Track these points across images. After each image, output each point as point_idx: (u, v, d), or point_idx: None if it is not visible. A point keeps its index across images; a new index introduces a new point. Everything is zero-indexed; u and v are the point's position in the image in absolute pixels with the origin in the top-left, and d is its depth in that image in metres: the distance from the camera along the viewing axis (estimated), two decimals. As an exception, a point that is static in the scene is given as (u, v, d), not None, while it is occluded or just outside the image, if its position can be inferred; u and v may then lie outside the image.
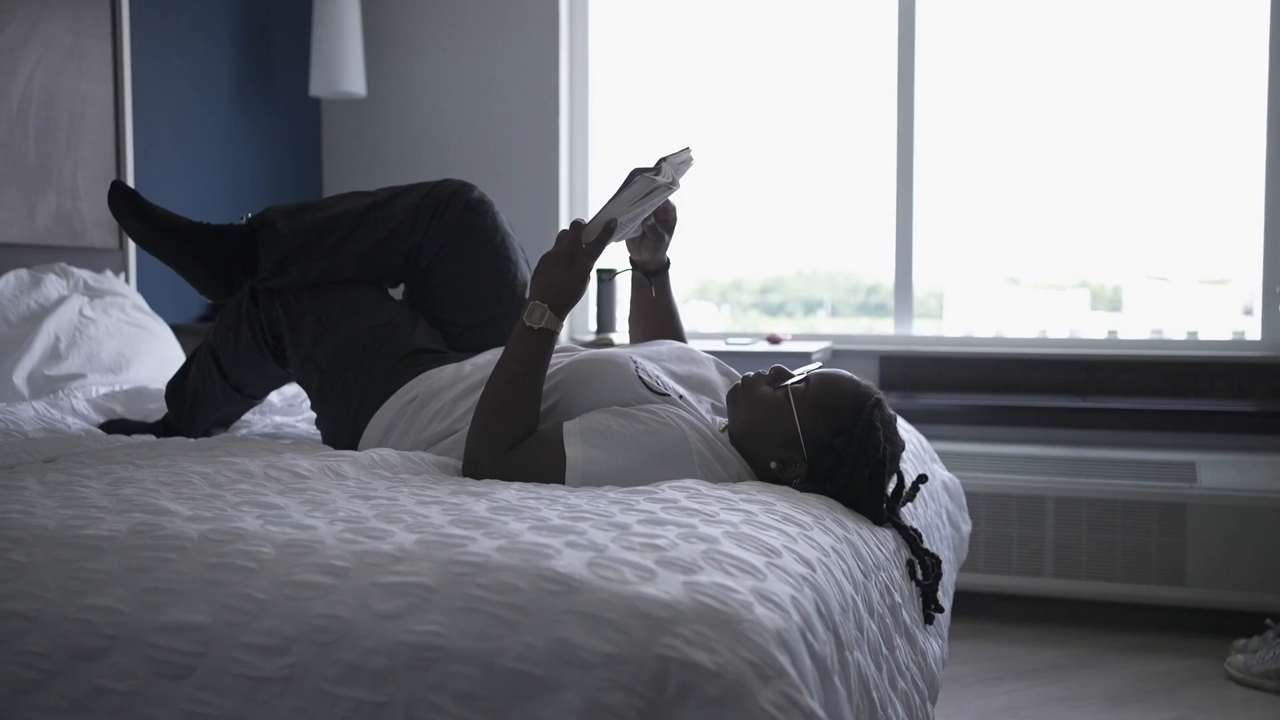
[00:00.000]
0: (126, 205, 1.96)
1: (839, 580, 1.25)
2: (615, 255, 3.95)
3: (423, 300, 2.03)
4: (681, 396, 1.71)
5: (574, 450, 1.58)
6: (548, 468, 1.58)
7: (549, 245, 1.68)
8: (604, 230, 1.64)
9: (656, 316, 2.04)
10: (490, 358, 1.86)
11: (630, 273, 2.02)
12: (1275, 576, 2.93)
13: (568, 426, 1.61)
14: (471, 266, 1.99)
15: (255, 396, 2.17)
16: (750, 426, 1.65)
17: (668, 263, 2.01)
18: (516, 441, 1.62)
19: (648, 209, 1.76)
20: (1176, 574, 2.99)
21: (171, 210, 2.00)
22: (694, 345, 2.02)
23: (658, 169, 1.69)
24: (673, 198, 1.82)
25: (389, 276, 2.03)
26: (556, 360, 1.80)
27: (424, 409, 1.83)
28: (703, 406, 1.78)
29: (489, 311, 2.00)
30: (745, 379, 1.70)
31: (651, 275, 2.00)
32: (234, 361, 2.05)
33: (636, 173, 1.69)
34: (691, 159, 1.77)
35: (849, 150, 3.78)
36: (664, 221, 1.92)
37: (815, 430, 1.59)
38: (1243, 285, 3.54)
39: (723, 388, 1.87)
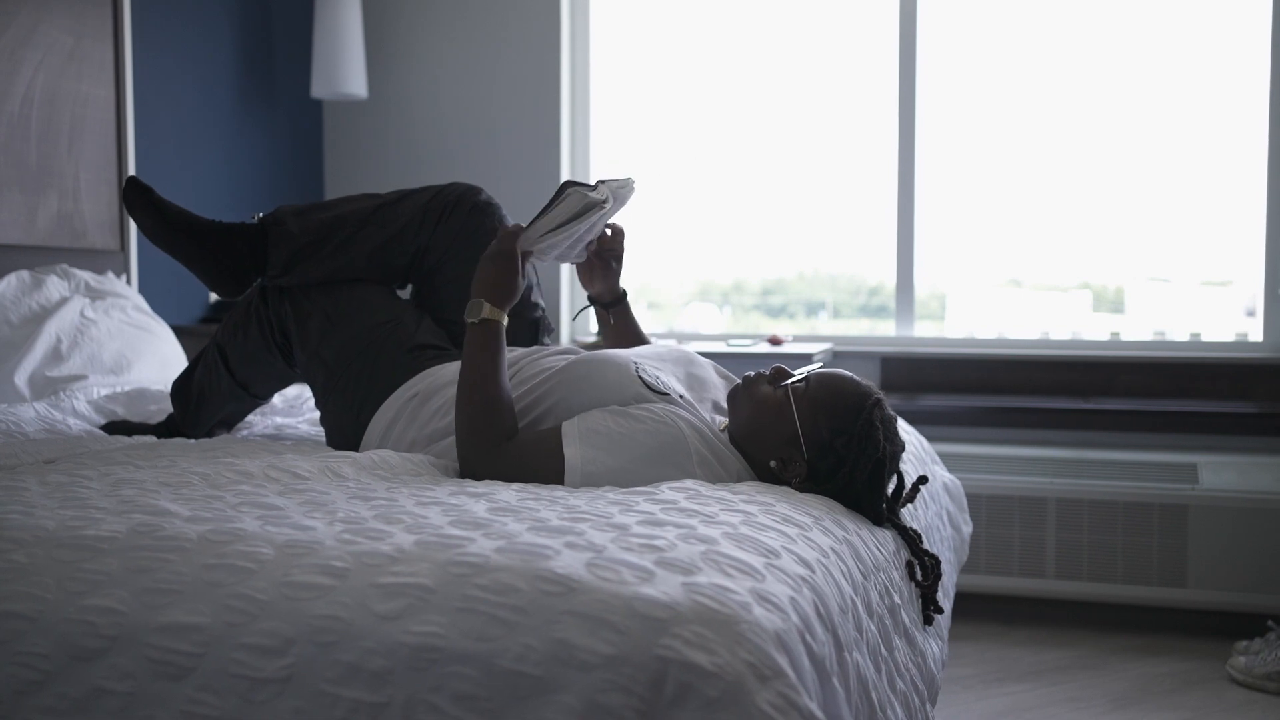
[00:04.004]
0: (142, 201, 1.99)
1: (838, 581, 1.25)
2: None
3: (429, 300, 2.05)
4: (681, 396, 1.72)
5: (572, 451, 1.58)
6: (547, 469, 1.58)
7: None
8: (539, 238, 1.71)
9: (625, 342, 2.04)
10: None
11: (590, 309, 2.05)
12: (1277, 578, 2.92)
13: (566, 427, 1.62)
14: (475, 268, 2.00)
15: (261, 395, 2.19)
16: (750, 426, 1.65)
17: (623, 293, 2.05)
18: (502, 434, 1.64)
19: (584, 229, 1.78)
20: (1178, 575, 2.99)
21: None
22: (695, 347, 2.03)
23: (594, 187, 1.72)
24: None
25: (396, 276, 2.05)
26: (557, 361, 1.80)
27: (426, 405, 1.83)
28: (703, 406, 1.79)
29: None
30: (746, 378, 1.70)
31: (608, 306, 2.03)
32: (242, 359, 2.07)
33: (570, 185, 1.72)
34: (633, 189, 1.83)
35: (850, 152, 3.77)
36: (611, 251, 1.97)
37: (815, 429, 1.59)
38: (1245, 287, 3.53)
39: (722, 389, 1.88)
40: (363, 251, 1.99)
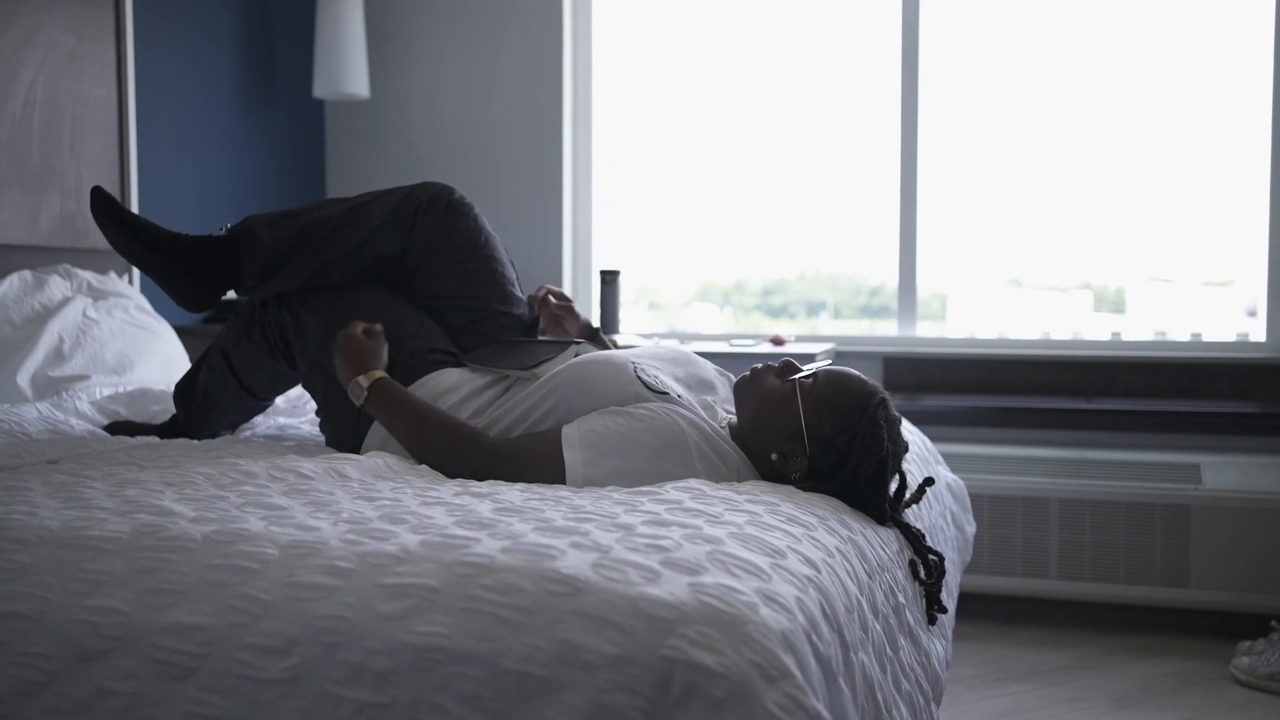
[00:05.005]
0: (107, 213, 1.96)
1: (844, 581, 1.24)
2: (614, 260, 3.95)
3: (412, 301, 2.03)
4: (680, 395, 1.72)
5: (572, 454, 1.58)
6: (548, 474, 1.58)
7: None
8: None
9: None
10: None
11: None
12: (1280, 578, 2.93)
13: (566, 432, 1.62)
14: (457, 267, 2.00)
15: (266, 398, 2.18)
16: (755, 418, 1.65)
17: (592, 329, 2.10)
18: (471, 438, 1.68)
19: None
20: (1181, 576, 2.98)
21: (154, 220, 2.01)
22: (696, 347, 2.03)
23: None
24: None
25: (372, 280, 2.02)
26: (556, 362, 1.81)
27: (428, 411, 1.83)
28: (701, 405, 1.79)
29: (479, 311, 2.00)
30: (754, 370, 1.70)
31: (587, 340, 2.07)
32: (246, 365, 2.06)
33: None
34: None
35: (852, 152, 3.77)
36: (560, 306, 2.06)
37: (819, 425, 1.60)
38: (1246, 287, 3.53)
39: (721, 388, 1.88)
40: (338, 256, 1.97)
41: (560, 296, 2.10)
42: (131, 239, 1.95)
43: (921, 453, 2.23)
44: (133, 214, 1.97)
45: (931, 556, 1.62)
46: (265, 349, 2.02)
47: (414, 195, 2.00)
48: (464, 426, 1.71)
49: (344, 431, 1.92)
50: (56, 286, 2.68)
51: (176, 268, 1.96)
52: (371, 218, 1.98)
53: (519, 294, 2.07)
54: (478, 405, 1.82)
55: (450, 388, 1.85)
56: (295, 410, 2.49)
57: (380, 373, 1.76)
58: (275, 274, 1.96)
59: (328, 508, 1.34)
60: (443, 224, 1.99)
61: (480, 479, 1.61)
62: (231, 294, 2.28)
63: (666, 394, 1.68)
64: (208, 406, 2.12)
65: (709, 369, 1.92)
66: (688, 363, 1.89)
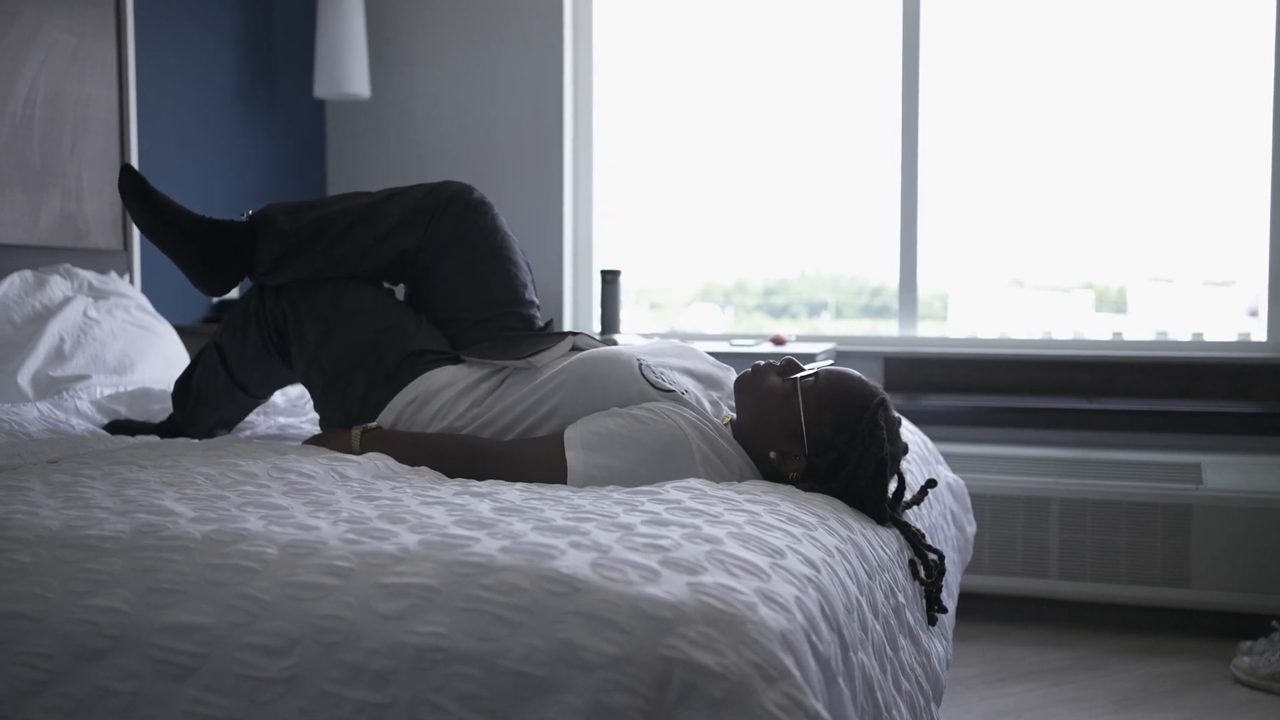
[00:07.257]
0: (134, 190, 1.98)
1: (843, 581, 1.24)
2: (615, 260, 3.95)
3: (424, 299, 2.04)
4: (686, 392, 1.71)
5: (575, 455, 1.58)
6: (550, 475, 1.58)
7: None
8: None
9: None
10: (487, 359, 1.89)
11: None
12: (1281, 578, 2.92)
13: (568, 435, 1.62)
14: (471, 266, 2.00)
15: (259, 396, 2.18)
16: (755, 415, 1.66)
17: None
18: (470, 446, 1.69)
19: None
20: (1182, 576, 2.98)
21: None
22: (696, 347, 2.03)
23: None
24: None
25: (387, 274, 2.03)
26: (560, 359, 1.81)
27: (424, 408, 1.83)
28: (707, 401, 1.79)
29: (491, 310, 2.00)
30: (755, 367, 1.70)
31: None
32: (239, 359, 2.06)
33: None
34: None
35: (853, 152, 3.77)
36: None
37: (818, 425, 1.60)
38: (1248, 287, 3.53)
39: (726, 383, 1.88)
40: (353, 249, 1.98)
41: None
42: (157, 218, 1.97)
43: (922, 452, 2.23)
44: (160, 194, 1.99)
45: (931, 556, 1.62)
46: (259, 342, 2.02)
47: (435, 193, 2.01)
48: (451, 445, 1.71)
49: (342, 427, 1.92)
50: (57, 286, 2.68)
51: (197, 250, 1.98)
52: (389, 214, 1.99)
53: (532, 297, 2.07)
54: (474, 398, 1.82)
55: (446, 383, 1.85)
56: (295, 410, 2.49)
57: (360, 427, 1.82)
58: (289, 262, 1.97)
59: (327, 507, 1.34)
60: (460, 223, 1.99)
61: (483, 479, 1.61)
62: (234, 293, 2.29)
63: (673, 391, 1.68)
64: (201, 403, 2.12)
65: (712, 364, 1.92)
66: (694, 357, 1.89)
